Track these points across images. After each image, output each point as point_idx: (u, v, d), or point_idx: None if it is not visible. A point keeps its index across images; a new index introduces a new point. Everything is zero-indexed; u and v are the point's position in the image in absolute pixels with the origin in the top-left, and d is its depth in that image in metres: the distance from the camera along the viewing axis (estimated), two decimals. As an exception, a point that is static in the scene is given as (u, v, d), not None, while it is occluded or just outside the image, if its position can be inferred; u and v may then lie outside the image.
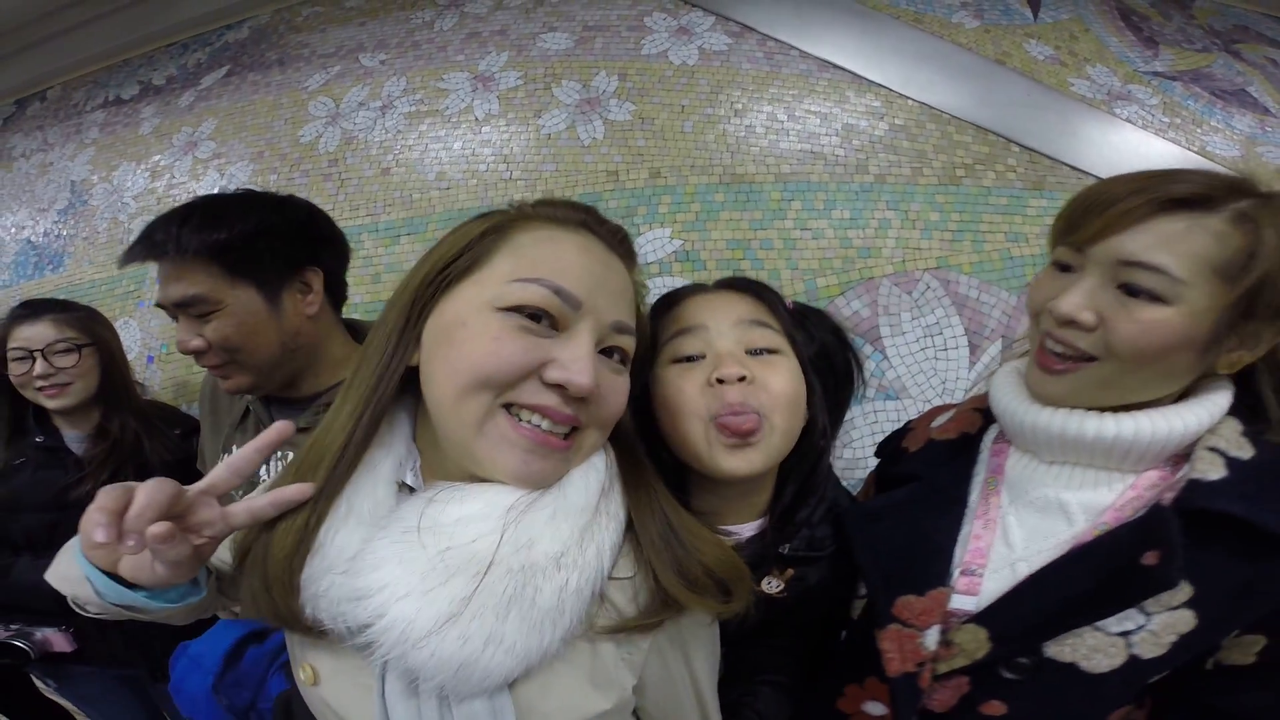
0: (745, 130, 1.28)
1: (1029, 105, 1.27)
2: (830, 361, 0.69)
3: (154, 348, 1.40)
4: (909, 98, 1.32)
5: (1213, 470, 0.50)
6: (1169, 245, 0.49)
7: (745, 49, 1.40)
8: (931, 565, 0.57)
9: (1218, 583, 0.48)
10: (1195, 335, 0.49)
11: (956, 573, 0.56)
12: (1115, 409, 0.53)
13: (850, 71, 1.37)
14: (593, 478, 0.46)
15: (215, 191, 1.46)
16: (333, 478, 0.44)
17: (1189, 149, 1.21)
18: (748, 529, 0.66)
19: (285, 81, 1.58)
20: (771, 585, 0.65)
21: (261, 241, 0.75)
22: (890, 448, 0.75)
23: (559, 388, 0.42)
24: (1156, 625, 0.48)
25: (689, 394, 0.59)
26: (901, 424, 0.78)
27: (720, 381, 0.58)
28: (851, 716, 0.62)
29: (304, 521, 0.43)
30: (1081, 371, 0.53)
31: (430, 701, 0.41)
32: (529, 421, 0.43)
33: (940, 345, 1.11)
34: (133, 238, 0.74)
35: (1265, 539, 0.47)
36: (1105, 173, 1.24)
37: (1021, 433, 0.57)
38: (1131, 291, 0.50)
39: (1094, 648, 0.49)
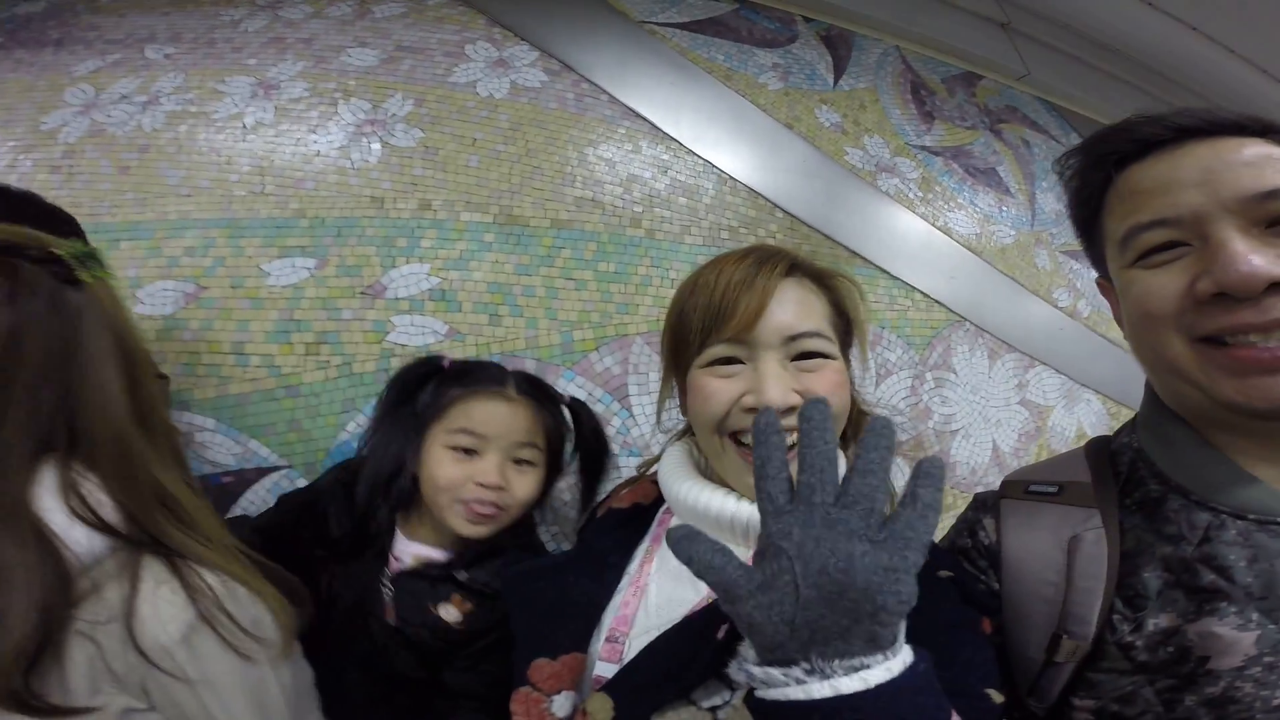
0: (532, 171, 1.17)
1: (802, 172, 1.24)
2: (589, 453, 0.81)
3: None
4: (696, 154, 1.25)
5: None
6: (808, 310, 0.52)
7: (557, 89, 1.29)
8: (569, 629, 0.53)
9: None
10: (848, 380, 0.54)
11: (602, 639, 0.52)
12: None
13: (650, 121, 1.29)
14: None
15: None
16: None
17: (933, 225, 1.22)
18: (438, 553, 0.73)
19: (54, 64, 1.30)
20: (449, 613, 0.70)
21: None
22: (591, 513, 0.71)
23: None
24: (739, 701, 0.44)
25: (453, 479, 0.70)
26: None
27: (480, 484, 0.70)
28: None
29: None
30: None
31: None
32: None
33: (681, 404, 1.05)
34: None
35: None
36: (855, 243, 1.23)
37: (675, 503, 0.55)
38: (808, 357, 0.50)
39: None
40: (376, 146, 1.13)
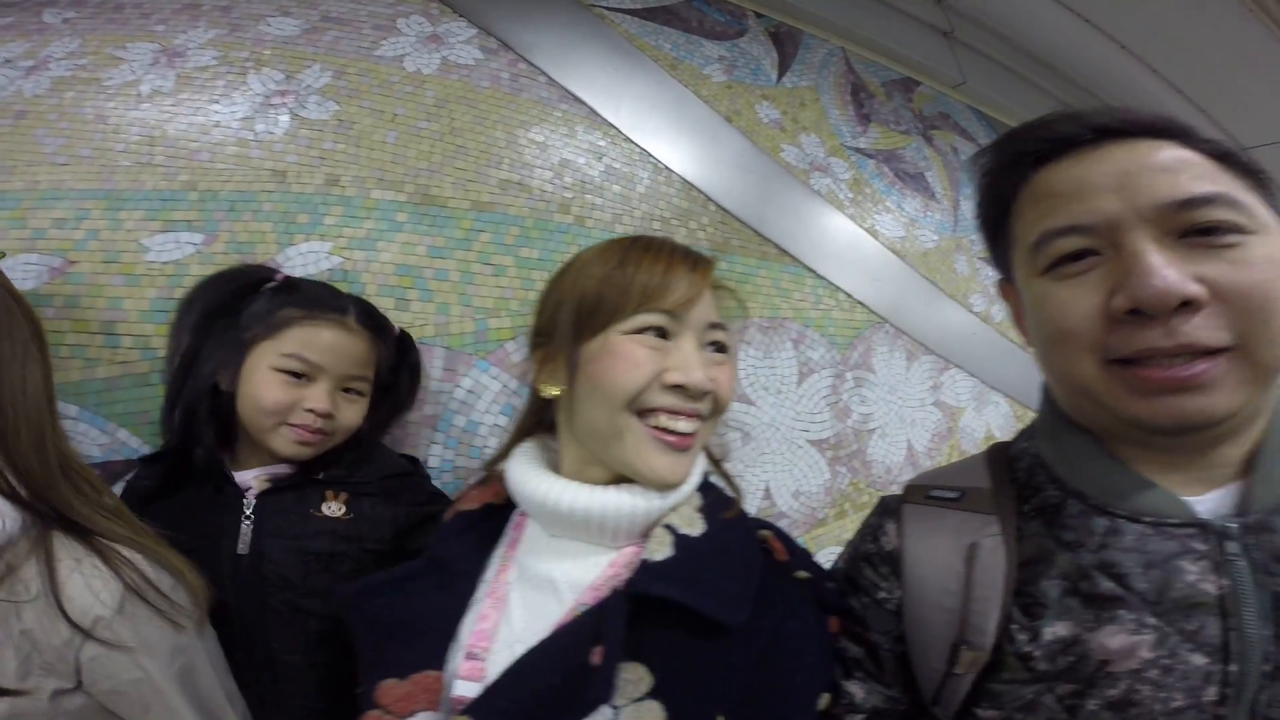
0: (455, 150, 1.09)
1: (738, 166, 1.19)
2: (404, 385, 0.81)
3: None
4: (634, 142, 1.20)
5: (660, 550, 0.46)
6: (719, 305, 0.51)
7: (492, 67, 1.21)
8: (418, 646, 0.48)
9: (676, 667, 0.42)
10: None
11: (460, 656, 0.47)
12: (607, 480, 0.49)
13: (588, 106, 1.23)
14: None
15: None
16: None
17: (861, 226, 1.19)
18: (285, 468, 0.70)
19: (-65, 21, 1.17)
20: (332, 509, 0.69)
21: None
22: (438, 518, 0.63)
23: None
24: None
25: (281, 403, 0.67)
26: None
27: (309, 409, 0.68)
28: None
29: None
30: (698, 436, 0.49)
31: None
32: None
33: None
34: None
35: (711, 620, 0.43)
36: (785, 241, 1.19)
37: (528, 503, 0.51)
38: (719, 349, 0.50)
39: None
40: (284, 118, 1.04)
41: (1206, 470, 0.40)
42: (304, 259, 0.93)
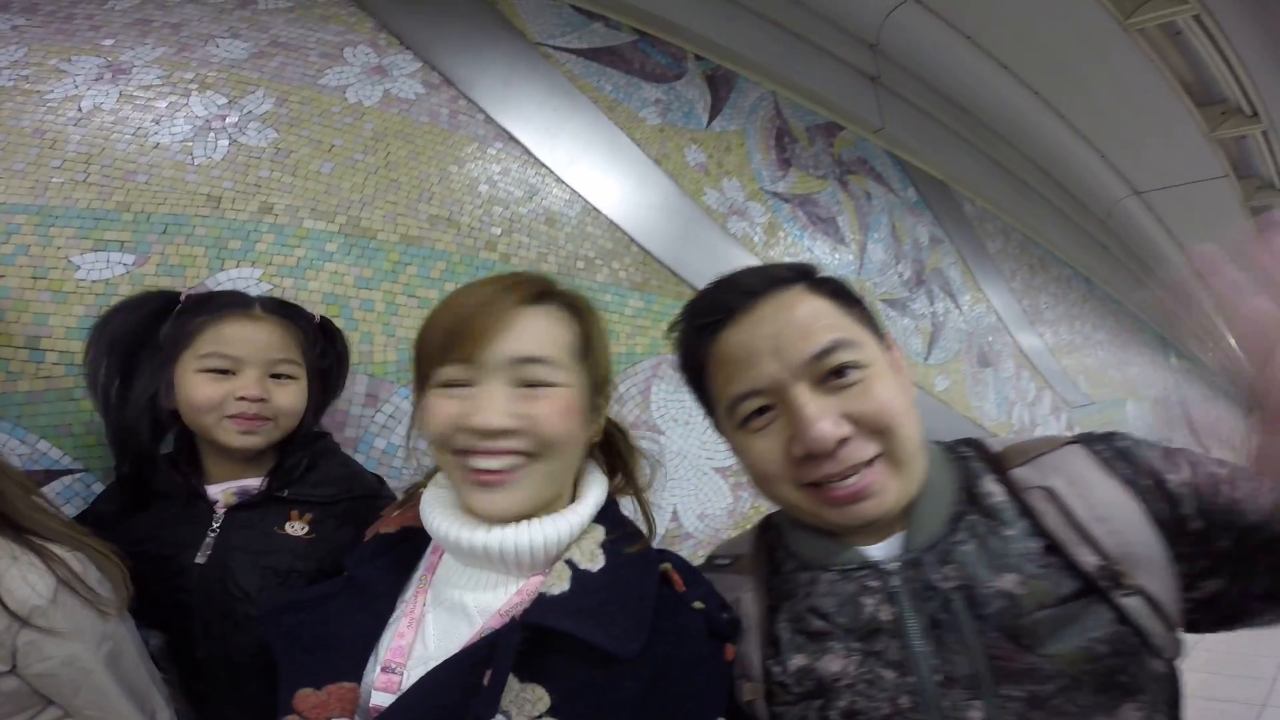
0: (389, 183, 1.15)
1: (662, 209, 1.27)
2: (332, 368, 0.84)
3: None
4: (565, 182, 1.27)
5: (558, 584, 0.49)
6: (546, 338, 0.52)
7: (433, 102, 1.27)
8: (334, 661, 0.52)
9: (572, 691, 0.46)
10: (582, 408, 0.54)
11: (377, 670, 0.51)
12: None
13: (523, 145, 1.29)
14: None
15: None
16: None
17: (770, 270, 1.30)
18: (253, 483, 0.74)
19: (-127, 22, 1.17)
20: (295, 528, 0.71)
21: None
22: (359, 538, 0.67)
23: None
24: None
25: (212, 398, 0.71)
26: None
27: (240, 398, 0.71)
28: None
29: None
30: (525, 472, 0.51)
31: None
32: None
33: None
34: None
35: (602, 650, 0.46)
36: (699, 282, 1.28)
37: (435, 536, 0.55)
38: (533, 384, 0.51)
39: None
40: (224, 143, 1.08)
41: (881, 528, 0.52)
42: (233, 284, 0.98)
